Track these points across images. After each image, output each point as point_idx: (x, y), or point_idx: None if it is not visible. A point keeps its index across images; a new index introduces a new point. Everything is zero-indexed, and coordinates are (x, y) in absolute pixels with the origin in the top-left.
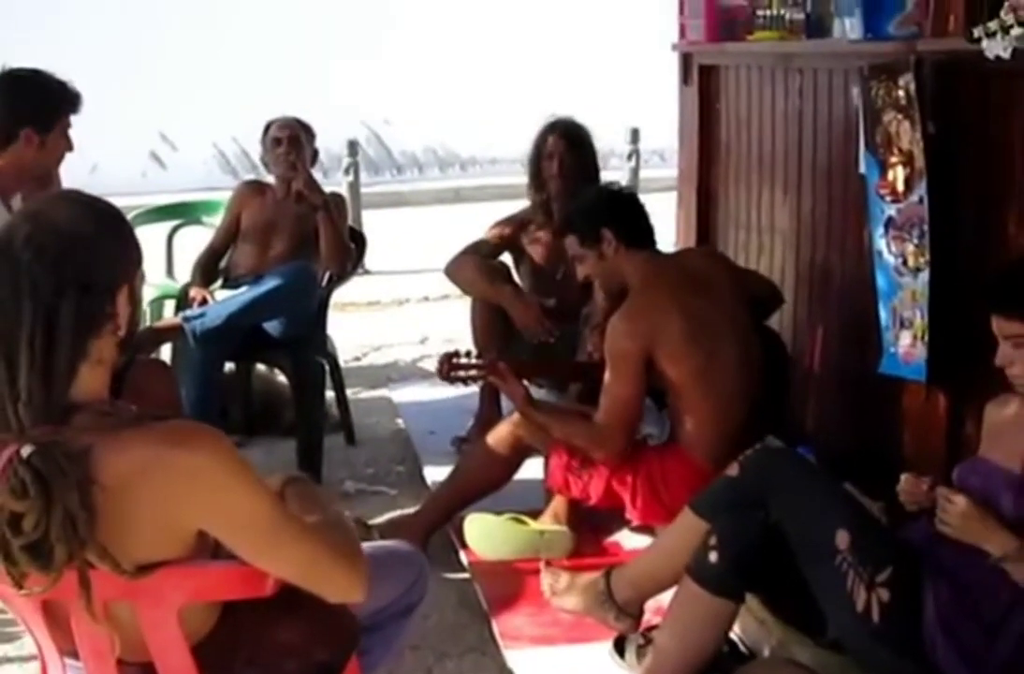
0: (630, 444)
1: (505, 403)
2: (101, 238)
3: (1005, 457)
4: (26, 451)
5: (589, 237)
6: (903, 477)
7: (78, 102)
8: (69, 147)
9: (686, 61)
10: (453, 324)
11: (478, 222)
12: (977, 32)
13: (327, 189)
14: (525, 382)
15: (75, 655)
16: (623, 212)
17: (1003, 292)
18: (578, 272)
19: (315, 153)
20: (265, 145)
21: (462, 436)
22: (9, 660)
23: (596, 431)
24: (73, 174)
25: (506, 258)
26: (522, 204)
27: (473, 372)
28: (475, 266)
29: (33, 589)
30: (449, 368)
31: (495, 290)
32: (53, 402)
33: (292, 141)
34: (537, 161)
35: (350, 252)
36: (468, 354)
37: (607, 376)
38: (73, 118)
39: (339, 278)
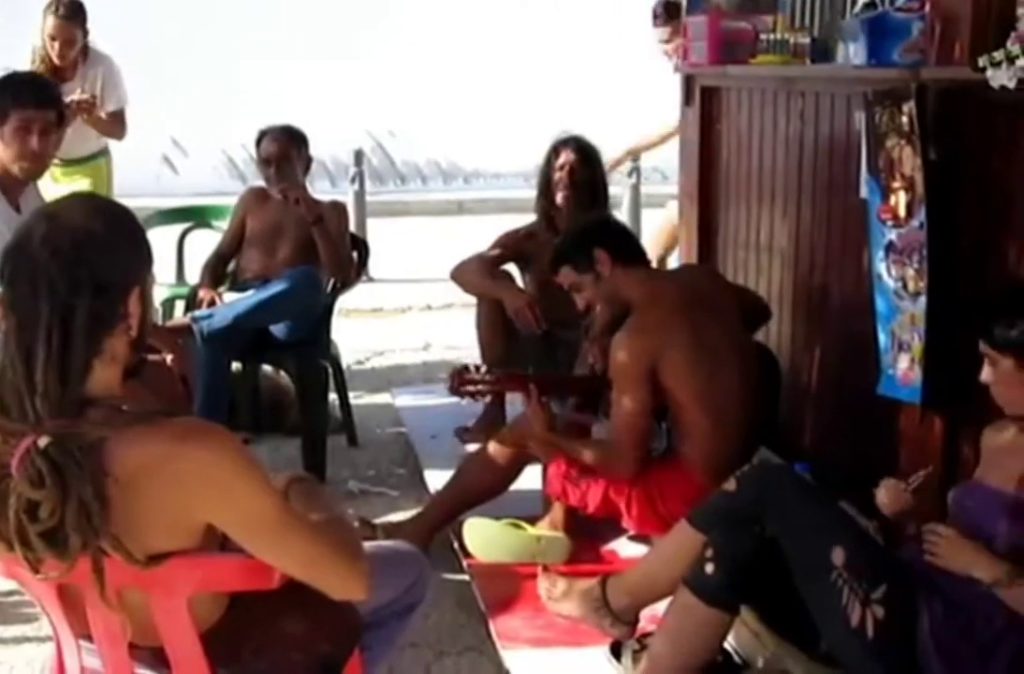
0: (643, 460)
1: (509, 408)
2: (114, 240)
3: (1001, 481)
4: (43, 442)
5: (583, 262)
6: (884, 484)
7: (25, 94)
8: (31, 144)
9: (688, 82)
10: (455, 332)
11: (480, 234)
12: (982, 61)
13: (333, 197)
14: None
15: (89, 638)
16: (611, 232)
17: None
18: (578, 302)
19: (308, 161)
20: (257, 158)
21: (466, 426)
22: (27, 640)
23: (609, 450)
24: None
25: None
26: (525, 217)
27: (482, 386)
28: (476, 266)
29: (49, 574)
30: (460, 382)
31: (491, 284)
32: (68, 396)
33: (281, 159)
34: (548, 172)
35: (350, 261)
36: (478, 369)
37: (614, 394)
38: None
39: (344, 285)
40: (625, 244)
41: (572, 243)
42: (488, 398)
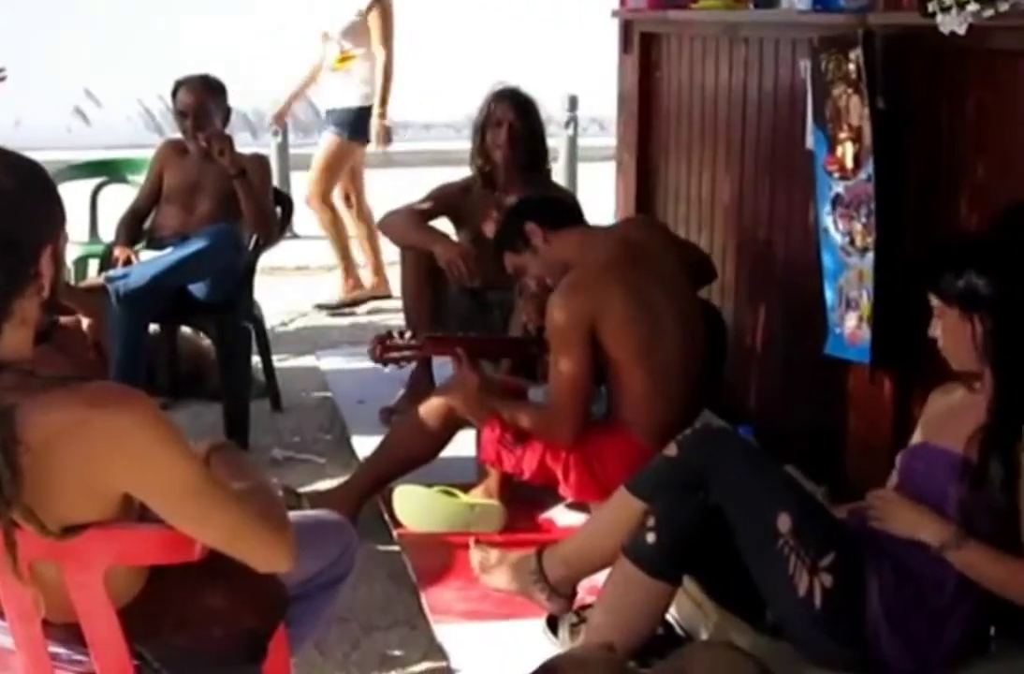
0: (584, 425)
1: (438, 373)
2: (24, 196)
3: (950, 442)
4: None
5: (519, 241)
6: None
7: None
8: None
9: (627, 28)
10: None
11: (411, 187)
12: (932, 6)
13: (255, 150)
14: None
15: (0, 615)
16: (536, 204)
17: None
18: (530, 285)
19: (227, 112)
20: (174, 110)
21: (390, 407)
22: None
23: (548, 415)
24: None
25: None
26: (457, 170)
27: (407, 353)
28: (406, 217)
29: None
30: (383, 350)
31: (422, 235)
32: None
33: (198, 110)
34: (483, 128)
35: (274, 217)
36: (402, 334)
37: (552, 356)
38: None
39: (266, 242)
40: (552, 210)
41: (503, 229)
42: (413, 364)
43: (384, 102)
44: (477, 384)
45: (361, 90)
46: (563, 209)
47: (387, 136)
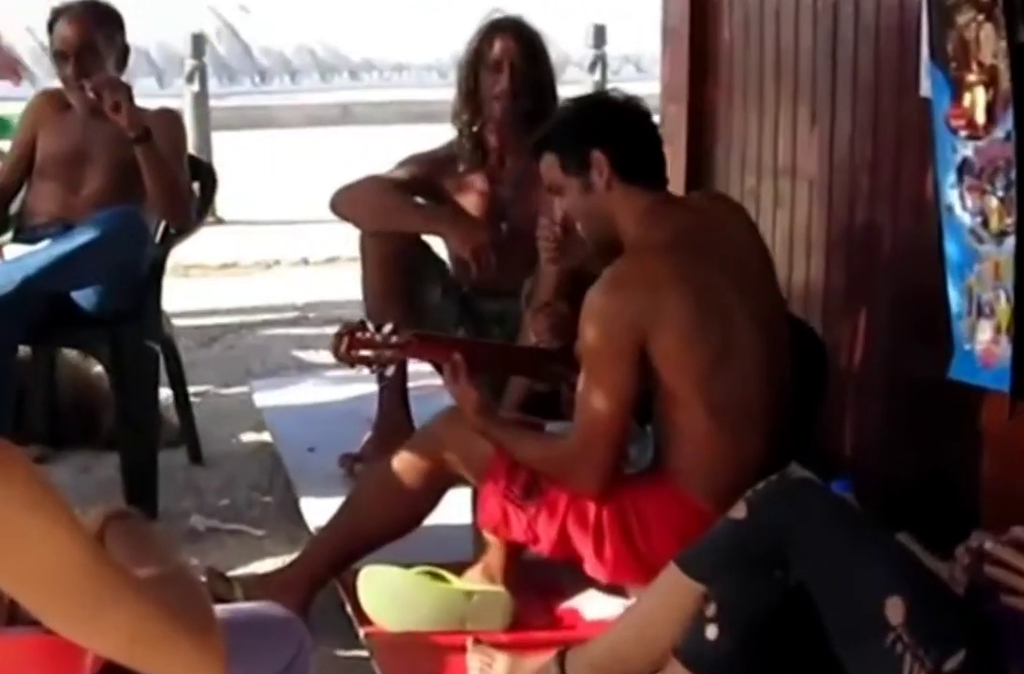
0: (615, 469)
1: (418, 411)
2: None
3: None
4: None
5: (574, 160)
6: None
7: None
8: None
9: None
10: (340, 296)
11: (376, 152)
12: None
13: (163, 103)
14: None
15: None
16: (624, 131)
17: None
18: (556, 208)
19: (124, 52)
20: (51, 48)
21: (354, 454)
22: None
23: (569, 451)
24: None
25: None
26: (439, 129)
27: (384, 352)
28: (379, 188)
29: None
30: (351, 344)
31: (414, 213)
32: None
33: (83, 49)
34: (474, 73)
35: (189, 195)
36: (379, 327)
37: (582, 378)
38: None
39: (180, 231)
40: (637, 150)
41: (569, 129)
42: (391, 369)
43: None
44: (476, 404)
45: None
46: (651, 158)
47: None
